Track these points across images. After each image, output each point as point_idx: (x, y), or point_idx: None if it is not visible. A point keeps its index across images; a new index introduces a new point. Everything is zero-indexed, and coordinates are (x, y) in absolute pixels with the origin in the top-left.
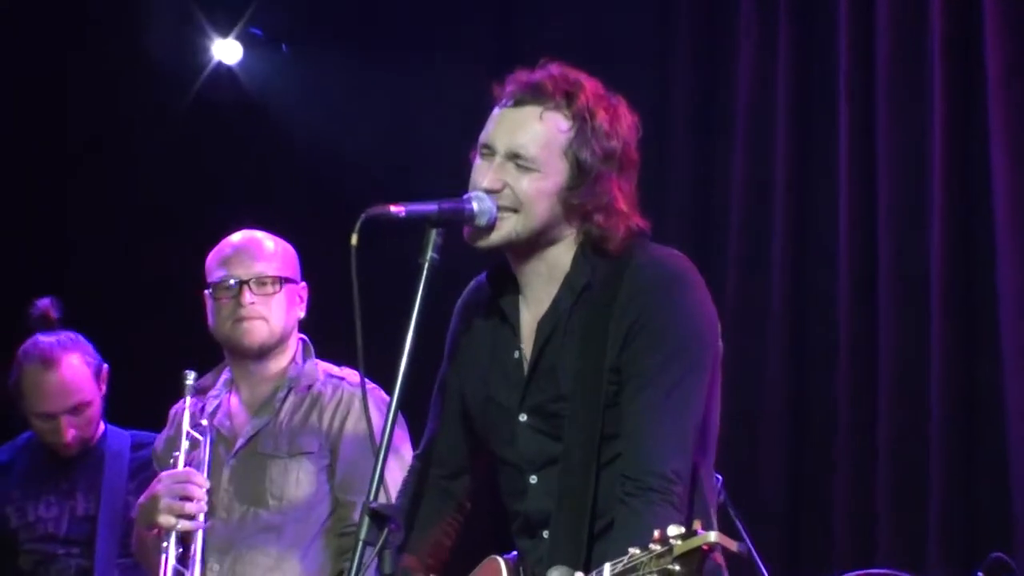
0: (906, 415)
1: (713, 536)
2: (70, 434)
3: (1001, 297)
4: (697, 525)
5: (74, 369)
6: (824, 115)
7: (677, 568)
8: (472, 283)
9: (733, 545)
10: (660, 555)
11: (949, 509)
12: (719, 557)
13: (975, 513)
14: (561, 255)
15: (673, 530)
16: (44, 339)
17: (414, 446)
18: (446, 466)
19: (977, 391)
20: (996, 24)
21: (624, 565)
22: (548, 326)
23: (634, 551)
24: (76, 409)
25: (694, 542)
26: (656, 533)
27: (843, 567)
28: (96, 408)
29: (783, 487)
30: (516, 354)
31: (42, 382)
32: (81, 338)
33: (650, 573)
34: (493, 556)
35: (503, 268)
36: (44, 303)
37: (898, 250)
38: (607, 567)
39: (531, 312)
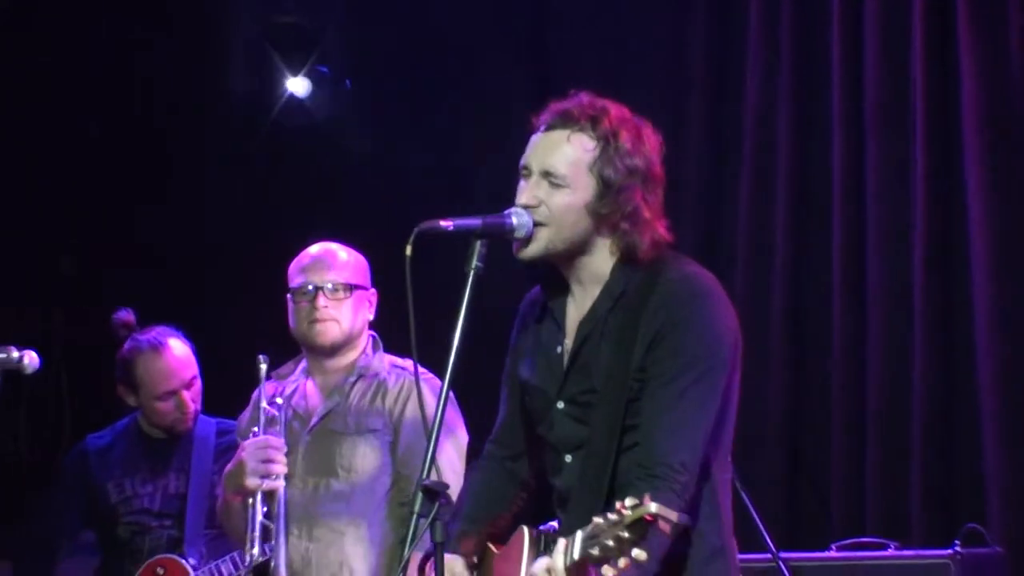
0: (892, 405)
1: (653, 507)
2: (192, 406)
3: (975, 306)
4: (646, 498)
5: (179, 349)
6: (819, 146)
7: (626, 535)
8: (533, 289)
9: (674, 516)
10: (615, 523)
11: (931, 487)
12: (666, 528)
13: (953, 490)
14: (599, 264)
15: (629, 502)
16: (143, 335)
17: (468, 429)
18: (511, 448)
19: (954, 388)
20: (970, 62)
21: (588, 532)
22: (587, 327)
23: (598, 520)
24: (190, 383)
25: (638, 512)
26: (617, 504)
27: (837, 536)
28: (199, 382)
29: (785, 467)
30: (559, 349)
31: (158, 366)
32: (168, 328)
33: (607, 539)
34: (521, 526)
35: (557, 273)
36: (122, 314)
37: (885, 262)
38: (579, 533)
39: (576, 312)
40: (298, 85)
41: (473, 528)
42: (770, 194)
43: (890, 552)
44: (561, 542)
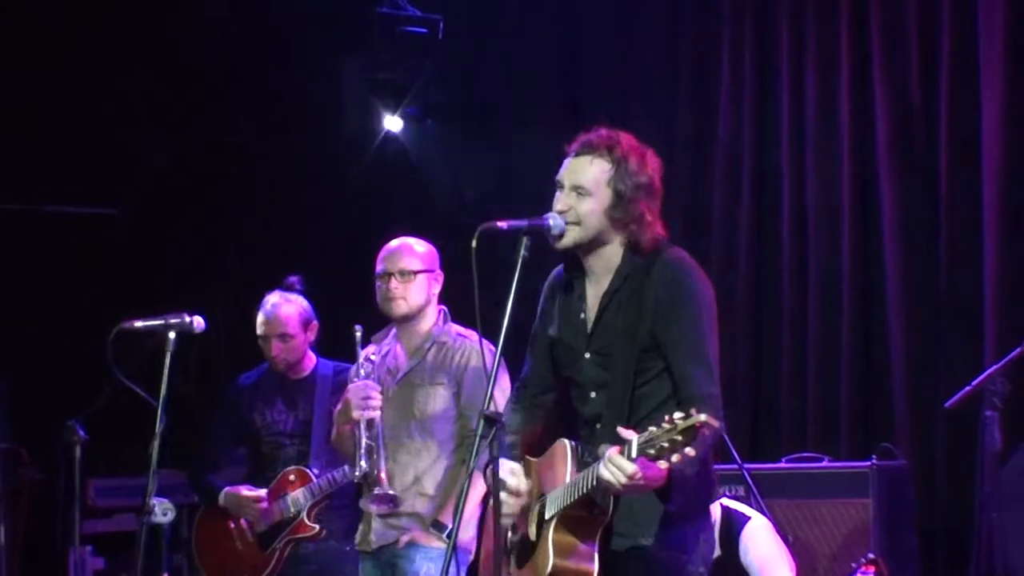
0: (827, 354)
1: (702, 417)
2: (275, 349)
3: (888, 281)
4: (693, 410)
5: (286, 312)
6: (772, 165)
7: (679, 438)
8: (554, 271)
9: (716, 423)
10: (668, 430)
11: (855, 414)
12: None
13: (871, 417)
14: (611, 253)
15: (679, 415)
16: (280, 292)
17: (512, 379)
18: (537, 387)
19: (872, 341)
20: (885, 108)
21: (645, 437)
22: (605, 300)
23: (653, 428)
24: (281, 337)
25: (690, 421)
26: (667, 416)
27: (786, 451)
28: (298, 343)
29: (748, 400)
30: (582, 316)
31: (265, 315)
32: (304, 300)
33: (663, 441)
34: (562, 439)
35: (576, 261)
36: (292, 278)
37: (822, 246)
38: (635, 439)
39: (593, 289)
40: (393, 123)
41: (516, 441)
42: (737, 200)
43: (825, 464)
44: (614, 447)
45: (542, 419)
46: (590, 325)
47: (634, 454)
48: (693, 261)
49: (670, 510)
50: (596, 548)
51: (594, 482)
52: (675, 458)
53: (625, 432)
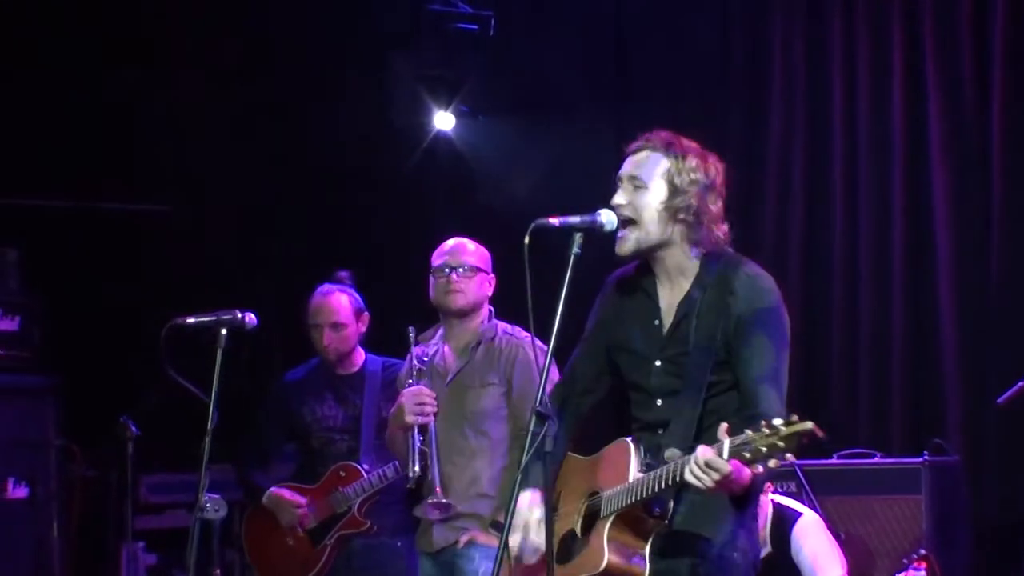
0: (878, 351)
1: (809, 425)
2: (327, 338)
3: (939, 278)
4: (795, 417)
5: (340, 301)
6: (824, 164)
7: (781, 444)
8: (618, 271)
9: (821, 433)
10: (768, 435)
11: (907, 411)
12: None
13: (923, 414)
14: (678, 256)
15: (779, 421)
16: (330, 284)
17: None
18: (579, 384)
19: (923, 340)
20: (937, 100)
21: (741, 439)
22: (684, 308)
23: (750, 432)
24: (334, 326)
25: (796, 427)
26: (763, 421)
27: (838, 447)
28: (349, 333)
29: (800, 396)
30: (656, 321)
31: (314, 304)
32: (354, 291)
33: (761, 446)
34: (622, 438)
35: (645, 263)
36: (343, 273)
37: (873, 242)
38: (727, 441)
39: (668, 294)
40: (444, 120)
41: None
42: (788, 197)
43: (876, 460)
44: (705, 447)
45: (577, 420)
46: (666, 331)
47: (725, 455)
48: (771, 278)
49: (741, 513)
50: (648, 549)
51: (664, 484)
52: (772, 463)
53: (721, 433)
